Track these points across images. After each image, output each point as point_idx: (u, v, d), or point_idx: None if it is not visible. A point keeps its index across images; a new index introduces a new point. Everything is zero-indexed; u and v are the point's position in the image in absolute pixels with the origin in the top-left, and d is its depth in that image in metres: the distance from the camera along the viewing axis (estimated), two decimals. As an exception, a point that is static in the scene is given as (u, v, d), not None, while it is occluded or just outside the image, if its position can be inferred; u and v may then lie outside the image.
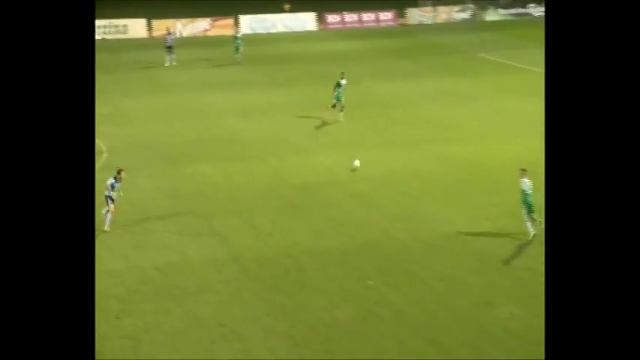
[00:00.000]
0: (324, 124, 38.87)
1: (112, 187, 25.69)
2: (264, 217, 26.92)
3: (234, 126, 38.79)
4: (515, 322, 19.76)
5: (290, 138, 36.58)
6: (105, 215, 25.53)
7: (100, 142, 35.13)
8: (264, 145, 35.56)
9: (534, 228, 24.21)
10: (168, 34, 54.46)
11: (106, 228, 25.48)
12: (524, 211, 24.41)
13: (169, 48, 53.33)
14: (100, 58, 55.12)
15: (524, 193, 24.28)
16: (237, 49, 54.15)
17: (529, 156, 33.04)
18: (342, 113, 38.84)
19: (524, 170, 24.55)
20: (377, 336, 19.22)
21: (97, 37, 63.10)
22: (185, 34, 65.55)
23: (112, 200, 25.64)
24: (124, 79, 49.03)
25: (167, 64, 53.03)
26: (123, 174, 26.11)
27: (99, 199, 23.37)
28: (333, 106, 38.96)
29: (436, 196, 28.92)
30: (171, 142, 35.72)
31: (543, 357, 17.95)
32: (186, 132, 37.70)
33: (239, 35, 55.25)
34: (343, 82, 39.04)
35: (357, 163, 31.81)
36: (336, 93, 38.85)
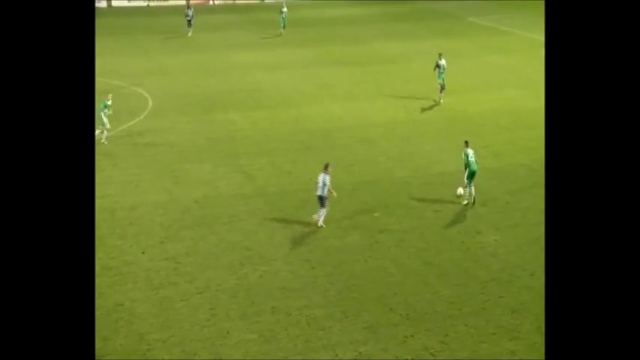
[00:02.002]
0: (334, 78, 38.21)
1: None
2: (285, 158, 26.58)
3: (258, 80, 38.15)
4: (499, 247, 19.51)
5: (306, 90, 35.99)
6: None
7: (145, 92, 34.76)
8: (284, 96, 35.00)
9: (468, 197, 22.08)
10: (188, 7, 49.85)
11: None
12: (465, 178, 22.07)
13: (189, 21, 48.98)
14: (144, 22, 54.51)
15: (468, 161, 21.98)
16: (282, 25, 49.63)
17: (508, 105, 32.70)
18: (441, 94, 32.84)
19: (467, 142, 22.38)
20: (381, 259, 19.02)
21: (143, 3, 62.28)
22: (217, 1, 64.39)
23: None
24: (164, 40, 48.25)
25: (190, 34, 48.84)
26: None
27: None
28: (442, 90, 32.90)
29: (431, 139, 28.47)
30: (205, 93, 35.22)
31: (520, 277, 17.83)
32: (218, 84, 37.13)
33: (284, 10, 50.28)
34: (442, 62, 32.98)
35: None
36: (437, 74, 32.94)
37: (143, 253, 19.45)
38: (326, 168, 20.95)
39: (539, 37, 46.99)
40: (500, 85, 36.04)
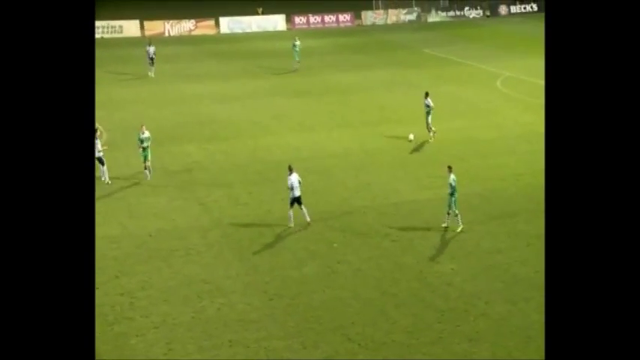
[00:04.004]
0: (289, 108, 38.48)
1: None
2: (241, 189, 26.60)
3: (213, 111, 38.22)
4: (456, 276, 19.74)
5: (261, 121, 36.17)
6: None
7: (99, 125, 34.47)
8: (239, 127, 35.11)
9: (449, 221, 22.38)
10: (150, 44, 47.04)
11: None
12: (448, 204, 22.30)
13: (151, 59, 46.16)
14: (98, 54, 54.15)
15: (451, 187, 22.11)
16: (297, 57, 48.36)
17: (461, 134, 33.19)
18: (431, 133, 32.05)
19: (450, 167, 22.48)
20: (339, 290, 19.09)
21: (97, 36, 62.03)
22: (172, 33, 64.50)
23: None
24: (117, 72, 48.06)
25: (152, 74, 46.38)
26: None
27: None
28: (426, 127, 32.14)
29: (385, 169, 28.80)
30: (159, 125, 35.05)
31: (477, 305, 18.07)
32: (172, 116, 37.07)
33: (297, 43, 48.79)
34: (427, 101, 32.15)
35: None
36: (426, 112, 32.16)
37: (97, 288, 19.18)
38: (291, 169, 22.90)
39: (491, 68, 48.15)
40: (452, 115, 36.63)
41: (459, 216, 22.38)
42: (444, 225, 22.53)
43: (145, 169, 27.42)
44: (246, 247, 21.71)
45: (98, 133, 27.82)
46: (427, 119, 32.14)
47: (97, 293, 18.88)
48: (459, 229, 22.36)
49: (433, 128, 32.19)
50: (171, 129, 34.62)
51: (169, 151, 31.27)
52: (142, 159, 27.46)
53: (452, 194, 22.26)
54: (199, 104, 39.74)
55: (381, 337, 16.74)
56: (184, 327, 17.24)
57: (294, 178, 22.92)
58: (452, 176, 22.30)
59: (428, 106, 32.16)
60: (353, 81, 45.64)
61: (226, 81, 45.84)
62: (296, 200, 22.90)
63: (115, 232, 22.86)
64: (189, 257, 21.06)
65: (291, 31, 65.83)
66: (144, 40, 55.88)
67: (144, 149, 27.30)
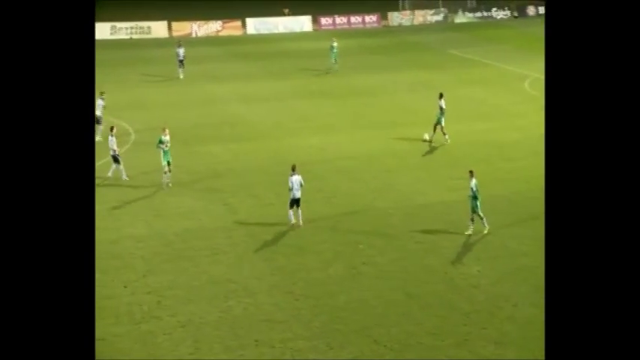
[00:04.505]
0: (314, 110, 38.54)
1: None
2: (267, 190, 26.70)
3: (238, 112, 38.40)
4: (482, 279, 19.66)
5: (285, 122, 36.27)
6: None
7: (127, 125, 34.84)
8: (263, 128, 35.24)
9: (473, 228, 22.20)
10: (179, 45, 46.93)
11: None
12: (471, 209, 22.18)
13: (181, 61, 46.15)
14: (127, 55, 54.76)
15: (473, 192, 22.04)
16: (334, 59, 47.69)
17: (485, 137, 33.01)
18: (446, 136, 31.79)
19: (471, 172, 22.37)
20: (364, 291, 19.10)
21: (126, 37, 62.61)
22: (200, 34, 64.93)
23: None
24: (145, 73, 48.45)
25: (181, 77, 46.26)
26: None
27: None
28: (441, 131, 31.88)
29: (410, 171, 28.75)
30: (185, 126, 35.35)
31: (503, 308, 17.98)
32: (197, 117, 37.29)
33: (335, 45, 47.80)
34: (440, 103, 31.94)
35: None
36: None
37: (125, 287, 19.40)
38: (294, 169, 22.91)
39: (518, 69, 47.82)
40: (478, 117, 36.48)
41: (484, 219, 22.26)
42: (467, 233, 22.28)
43: (165, 173, 26.60)
44: (271, 247, 21.81)
45: (114, 131, 27.82)
46: (441, 122, 31.71)
47: (125, 292, 19.11)
48: (485, 231, 22.24)
49: (444, 131, 31.73)
50: (197, 129, 34.86)
51: (195, 151, 31.50)
52: (164, 163, 26.67)
53: (475, 198, 22.08)
54: (225, 105, 39.96)
55: (407, 339, 16.73)
56: (211, 326, 17.37)
57: (295, 179, 22.85)
58: (473, 181, 22.15)
59: (441, 108, 31.77)
60: (378, 82, 45.58)
61: (252, 82, 46.02)
62: (295, 202, 22.86)
63: (142, 231, 23.09)
64: (215, 257, 21.20)
65: (317, 32, 65.96)
66: (172, 41, 56.30)
67: (165, 152, 26.65)
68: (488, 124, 35.22)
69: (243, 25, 66.25)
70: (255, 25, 66.76)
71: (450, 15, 71.90)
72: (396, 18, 70.90)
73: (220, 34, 65.48)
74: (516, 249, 21.38)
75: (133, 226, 23.41)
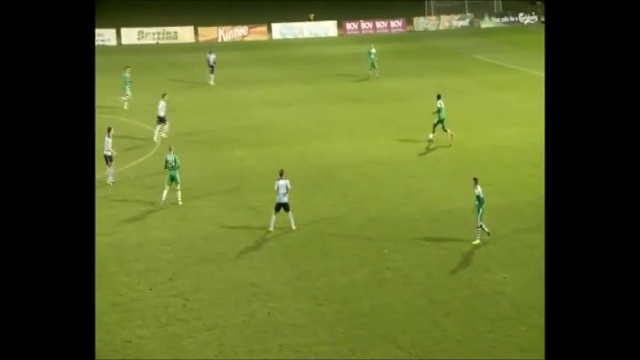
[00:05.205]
0: (339, 114, 38.55)
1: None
2: (292, 194, 26.50)
3: (263, 116, 38.52)
4: (507, 286, 19.53)
5: (311, 127, 36.32)
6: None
7: (152, 129, 35.09)
8: (289, 133, 35.33)
9: (480, 237, 21.98)
10: (210, 52, 46.18)
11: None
12: (476, 217, 21.92)
13: (212, 67, 45.61)
14: (152, 60, 55.20)
15: (478, 200, 21.79)
16: (372, 65, 47.02)
17: (512, 141, 32.79)
18: (448, 133, 32.39)
19: (475, 179, 22.19)
20: (388, 297, 19.06)
21: (152, 42, 63.15)
22: (226, 39, 65.34)
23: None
24: (172, 78, 48.79)
25: (212, 83, 45.92)
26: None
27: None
28: (445, 130, 32.42)
29: (436, 176, 28.65)
30: (211, 130, 35.56)
31: (529, 315, 17.83)
32: (223, 121, 37.46)
33: (373, 51, 47.23)
34: (438, 103, 32.52)
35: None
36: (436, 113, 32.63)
37: (151, 289, 19.56)
38: (282, 174, 22.89)
39: (543, 74, 47.47)
40: (504, 122, 36.28)
41: (479, 229, 21.86)
42: (475, 242, 21.96)
43: (172, 190, 25.38)
44: (296, 251, 21.85)
45: (112, 132, 27.62)
46: (442, 123, 32.10)
47: (151, 294, 19.27)
48: (475, 242, 21.85)
49: (448, 131, 32.19)
50: (223, 134, 35.04)
51: (221, 155, 31.67)
52: (169, 183, 25.25)
53: (480, 206, 21.78)
54: (251, 110, 40.12)
55: (431, 346, 16.66)
56: (235, 330, 17.44)
57: (282, 184, 22.83)
58: (478, 188, 21.91)
59: (439, 108, 32.09)
60: (403, 87, 45.50)
61: (277, 87, 46.16)
62: (282, 206, 22.86)
63: (168, 235, 23.25)
64: (240, 261, 21.29)
65: (343, 37, 66.02)
66: (198, 46, 56.68)
67: (172, 170, 25.20)
68: (515, 129, 34.99)
69: (269, 30, 66.53)
70: (281, 30, 67.01)
71: (476, 20, 71.53)
72: (421, 23, 70.72)
73: (246, 39, 65.81)
74: (542, 255, 21.15)
75: (159, 230, 23.60)
